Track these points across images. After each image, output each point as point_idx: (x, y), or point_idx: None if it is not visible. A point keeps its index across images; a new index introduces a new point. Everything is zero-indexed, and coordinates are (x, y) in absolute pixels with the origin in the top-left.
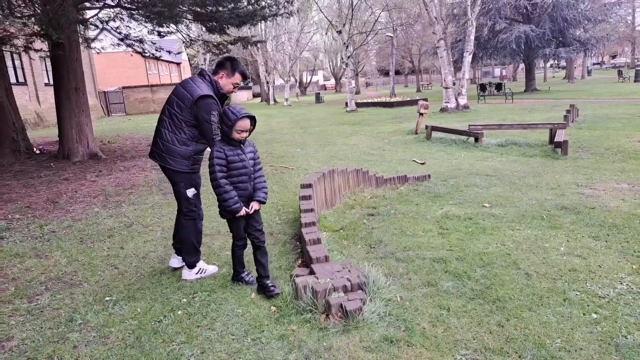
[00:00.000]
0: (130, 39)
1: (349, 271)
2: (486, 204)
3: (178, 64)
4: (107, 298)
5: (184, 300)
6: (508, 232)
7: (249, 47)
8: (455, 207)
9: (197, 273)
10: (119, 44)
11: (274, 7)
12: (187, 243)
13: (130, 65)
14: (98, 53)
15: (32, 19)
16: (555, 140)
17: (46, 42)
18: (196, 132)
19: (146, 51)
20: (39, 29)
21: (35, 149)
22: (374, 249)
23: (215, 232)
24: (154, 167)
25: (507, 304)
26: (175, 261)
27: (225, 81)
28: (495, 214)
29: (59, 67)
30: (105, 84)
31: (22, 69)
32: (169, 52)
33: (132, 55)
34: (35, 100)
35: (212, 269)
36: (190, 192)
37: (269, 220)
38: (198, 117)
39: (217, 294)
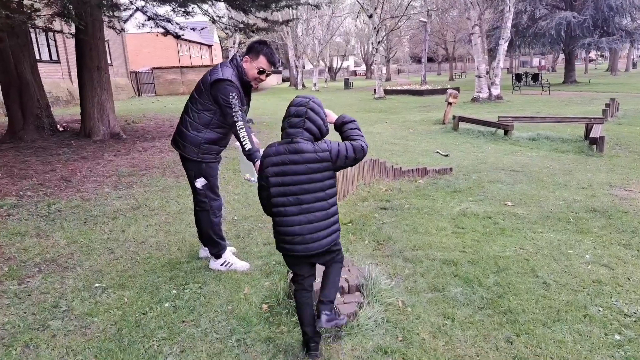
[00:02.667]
0: (156, 19)
1: (349, 270)
2: (509, 202)
3: (209, 46)
4: (97, 284)
5: (174, 291)
6: (529, 234)
7: (278, 27)
8: (474, 204)
9: (222, 265)
10: (143, 25)
11: None
12: (205, 234)
13: (162, 46)
14: (118, 33)
15: None
16: (590, 136)
17: (69, 20)
18: (211, 117)
19: (170, 30)
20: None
21: (59, 126)
22: (381, 245)
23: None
24: (171, 149)
25: (520, 317)
26: (202, 251)
27: (249, 66)
28: (518, 213)
29: (82, 45)
30: (138, 64)
31: (56, 47)
32: (193, 29)
33: (157, 35)
34: (67, 78)
35: (241, 265)
36: (200, 182)
37: None
38: (217, 101)
39: (209, 287)
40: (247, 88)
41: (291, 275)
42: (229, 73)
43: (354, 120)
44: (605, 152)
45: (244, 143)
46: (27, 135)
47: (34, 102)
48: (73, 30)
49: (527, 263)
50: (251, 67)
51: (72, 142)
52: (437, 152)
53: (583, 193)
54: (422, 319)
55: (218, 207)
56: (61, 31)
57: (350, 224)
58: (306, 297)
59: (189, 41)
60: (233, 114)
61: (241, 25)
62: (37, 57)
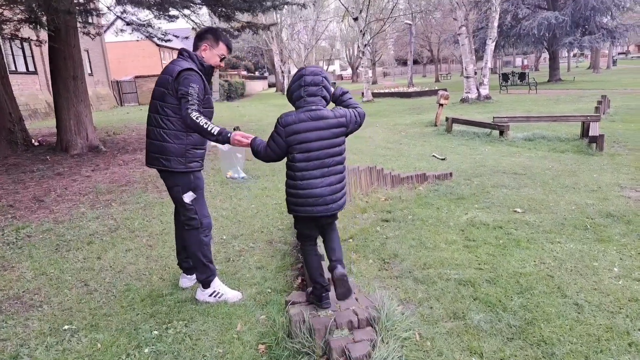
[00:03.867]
0: (135, 23)
1: (357, 299)
2: (518, 208)
3: None
4: (66, 326)
5: (155, 332)
6: (547, 245)
7: (260, 32)
8: (482, 213)
9: (211, 295)
10: (122, 30)
11: None
12: (193, 257)
13: (144, 54)
14: (93, 39)
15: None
16: (590, 134)
17: (40, 29)
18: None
19: (153, 35)
20: (27, 15)
21: (34, 141)
22: (388, 264)
23: None
24: None
25: (556, 349)
26: (186, 280)
27: (209, 53)
28: (530, 221)
29: (56, 54)
30: (120, 73)
31: (33, 57)
32: (177, 36)
33: (138, 40)
34: (46, 90)
35: (233, 295)
36: (188, 196)
37: (270, 225)
38: (177, 93)
39: (195, 325)
40: (207, 74)
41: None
42: (187, 64)
43: (349, 92)
44: (605, 151)
45: (209, 129)
46: None
47: (5, 116)
48: (46, 37)
49: (551, 280)
50: (212, 55)
51: (48, 157)
52: (434, 155)
53: (594, 196)
54: (445, 356)
55: (208, 225)
56: (28, 39)
57: (351, 240)
58: (316, 250)
59: (172, 49)
60: (189, 105)
61: (224, 31)
62: (13, 68)
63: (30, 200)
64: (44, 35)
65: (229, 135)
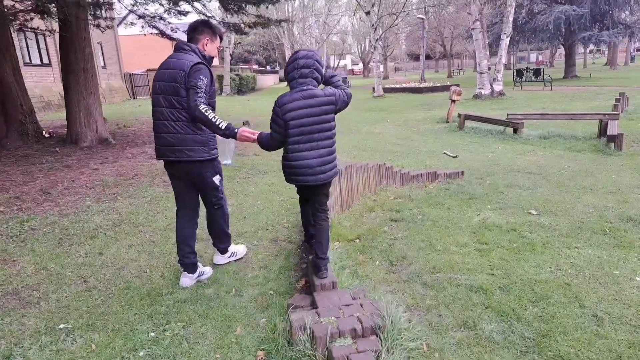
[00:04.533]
0: (146, 17)
1: (361, 305)
2: (532, 210)
3: None
4: (62, 325)
5: (152, 334)
6: (563, 250)
7: (271, 27)
8: (494, 214)
9: (229, 257)
10: (132, 23)
11: None
12: (219, 231)
13: (158, 47)
14: (103, 32)
15: None
16: (608, 133)
17: (51, 20)
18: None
19: (161, 29)
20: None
21: (45, 133)
22: (395, 267)
23: None
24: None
25: None
26: (187, 280)
27: (210, 47)
28: (545, 224)
29: (66, 46)
30: (133, 66)
31: (47, 49)
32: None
33: (145, 35)
34: (59, 82)
35: (242, 249)
36: (217, 179)
37: (275, 222)
38: (187, 84)
39: (193, 327)
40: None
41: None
42: (195, 58)
43: (338, 74)
44: (624, 150)
45: (217, 123)
46: (10, 142)
47: (17, 108)
48: (57, 29)
49: (568, 289)
50: (213, 48)
51: (57, 149)
52: (445, 153)
53: (613, 198)
54: None
55: (226, 199)
56: (38, 28)
57: (357, 240)
58: (325, 220)
59: (172, 39)
60: (197, 97)
61: (234, 26)
62: (28, 60)
63: (37, 193)
64: (54, 26)
65: (235, 130)
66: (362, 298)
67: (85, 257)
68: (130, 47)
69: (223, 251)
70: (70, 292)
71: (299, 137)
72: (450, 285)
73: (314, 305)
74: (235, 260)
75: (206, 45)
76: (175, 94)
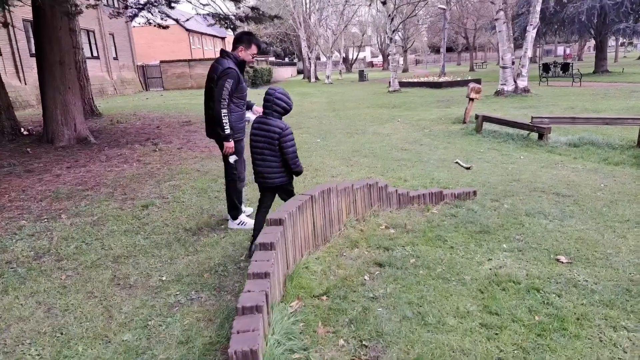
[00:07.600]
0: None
1: None
2: (562, 255)
3: (223, 38)
4: None
5: None
6: (607, 332)
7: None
8: (511, 259)
9: (238, 224)
10: (119, 13)
11: None
12: (229, 200)
13: (174, 39)
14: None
15: None
16: None
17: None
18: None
19: (151, 21)
20: None
21: (23, 130)
22: (365, 351)
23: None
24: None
25: None
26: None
27: (244, 54)
28: (579, 281)
29: (40, 37)
30: (149, 57)
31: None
32: (176, 20)
33: (132, 26)
34: None
35: (249, 222)
36: (232, 158)
37: (236, 255)
38: (217, 83)
39: None
40: (241, 68)
41: None
42: (229, 63)
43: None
44: None
45: (224, 126)
46: None
47: None
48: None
49: None
50: (246, 55)
51: (29, 150)
52: (457, 162)
53: None
54: None
55: (242, 178)
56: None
57: (324, 298)
58: (264, 215)
59: (202, 34)
60: (222, 99)
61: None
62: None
63: None
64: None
65: (229, 139)
66: None
67: None
68: (147, 38)
69: (234, 217)
70: None
71: (255, 150)
72: None
73: None
74: (243, 228)
75: (241, 52)
76: (211, 91)
